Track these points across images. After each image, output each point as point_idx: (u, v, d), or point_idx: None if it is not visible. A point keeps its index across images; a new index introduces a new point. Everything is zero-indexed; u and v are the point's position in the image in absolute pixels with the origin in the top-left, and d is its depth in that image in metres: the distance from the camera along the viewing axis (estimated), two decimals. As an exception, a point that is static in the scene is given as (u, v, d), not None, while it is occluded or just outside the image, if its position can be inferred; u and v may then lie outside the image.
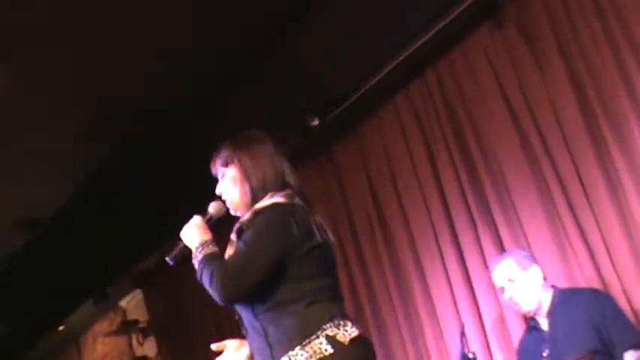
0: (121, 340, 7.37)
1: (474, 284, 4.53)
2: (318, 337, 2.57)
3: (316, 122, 5.04)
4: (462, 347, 4.14)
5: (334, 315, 2.62)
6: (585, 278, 4.06)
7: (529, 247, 4.23)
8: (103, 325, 7.49)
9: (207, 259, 2.72)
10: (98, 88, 5.07)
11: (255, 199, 2.77)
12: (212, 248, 2.77)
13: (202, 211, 2.94)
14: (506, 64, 4.40)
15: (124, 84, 5.08)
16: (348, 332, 2.59)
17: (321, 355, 2.54)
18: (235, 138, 2.93)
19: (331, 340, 2.56)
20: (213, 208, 2.96)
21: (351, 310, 5.18)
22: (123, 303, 7.00)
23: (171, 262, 2.97)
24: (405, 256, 4.91)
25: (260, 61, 5.14)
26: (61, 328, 6.97)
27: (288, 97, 5.11)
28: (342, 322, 2.61)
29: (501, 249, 4.36)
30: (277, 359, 2.60)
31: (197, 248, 2.78)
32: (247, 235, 2.67)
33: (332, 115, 5.03)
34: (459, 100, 4.62)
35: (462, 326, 4.26)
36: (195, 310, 6.23)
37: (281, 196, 2.71)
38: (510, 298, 3.95)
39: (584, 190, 4.08)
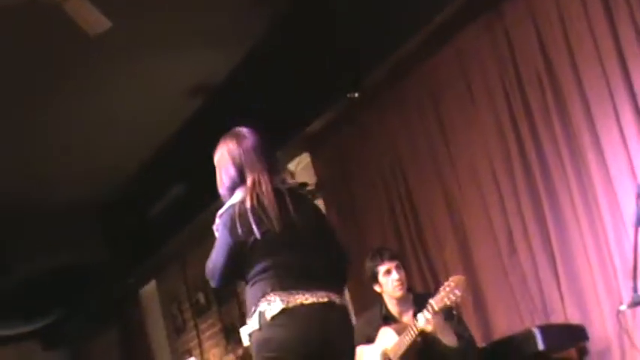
0: (290, 201, 7.54)
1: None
2: (255, 311, 3.26)
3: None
4: (638, 209, 3.98)
5: (266, 292, 3.24)
6: None
7: None
8: (273, 187, 7.68)
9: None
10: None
11: (227, 198, 3.49)
12: None
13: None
14: None
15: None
16: (274, 308, 3.20)
17: (253, 329, 3.26)
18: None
19: (260, 315, 3.23)
20: None
21: (519, 174, 5.08)
22: (291, 166, 7.13)
23: None
24: (578, 119, 4.71)
25: None
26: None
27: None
28: (272, 298, 3.22)
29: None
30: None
31: None
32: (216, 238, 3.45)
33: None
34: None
35: (639, 187, 4.08)
36: (362, 174, 6.28)
37: (241, 191, 3.40)
38: None
39: None
